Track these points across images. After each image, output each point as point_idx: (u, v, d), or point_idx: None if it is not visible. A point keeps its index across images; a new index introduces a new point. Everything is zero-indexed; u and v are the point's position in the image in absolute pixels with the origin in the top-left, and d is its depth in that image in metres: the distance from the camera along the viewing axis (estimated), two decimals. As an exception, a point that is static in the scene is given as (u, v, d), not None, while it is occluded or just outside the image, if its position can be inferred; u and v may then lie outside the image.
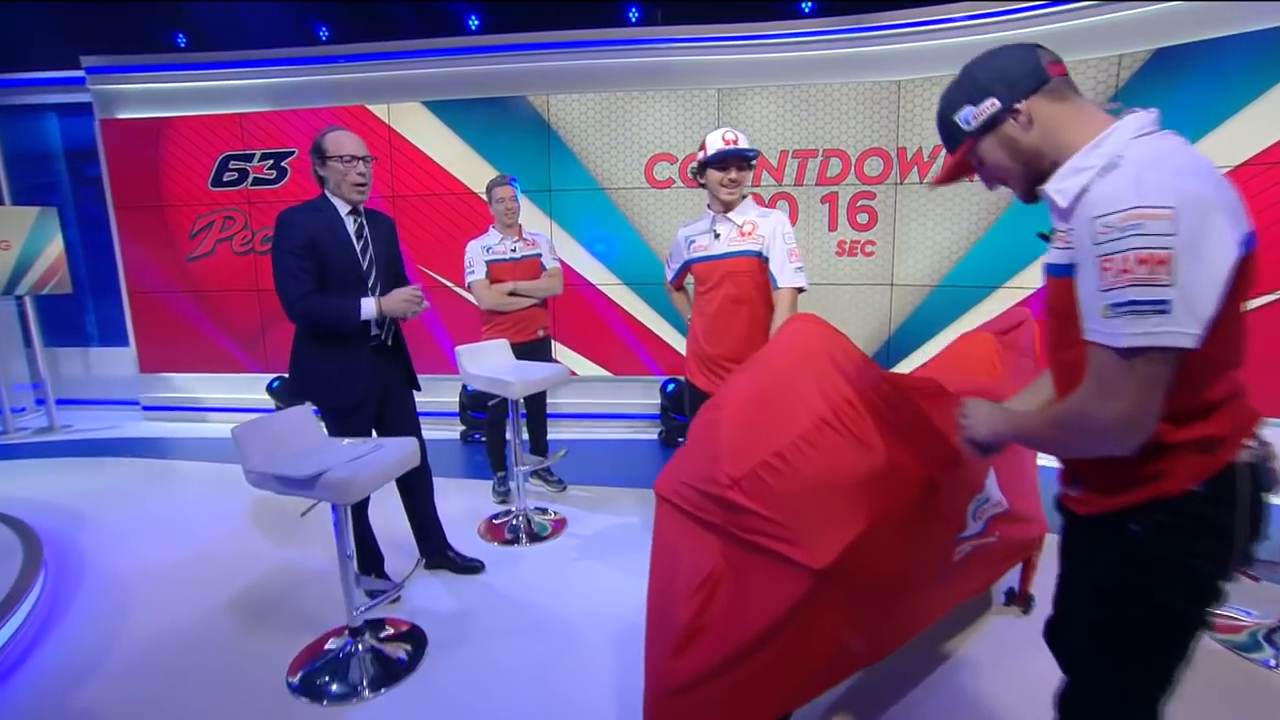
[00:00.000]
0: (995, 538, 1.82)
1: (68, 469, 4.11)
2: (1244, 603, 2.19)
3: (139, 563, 2.78)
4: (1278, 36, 3.05)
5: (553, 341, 3.69)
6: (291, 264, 2.17)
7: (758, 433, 1.47)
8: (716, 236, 2.33)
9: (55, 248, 4.91)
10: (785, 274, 2.26)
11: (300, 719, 1.87)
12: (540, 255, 3.37)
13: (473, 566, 2.64)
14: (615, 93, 4.33)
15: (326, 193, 2.27)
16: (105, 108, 4.77)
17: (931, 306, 4.16)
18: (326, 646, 2.13)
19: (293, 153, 4.64)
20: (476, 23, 4.52)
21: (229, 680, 2.03)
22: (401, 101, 4.50)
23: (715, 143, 2.24)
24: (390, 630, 2.22)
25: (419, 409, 2.53)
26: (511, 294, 3.25)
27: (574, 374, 4.41)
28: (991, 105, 1.02)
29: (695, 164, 2.35)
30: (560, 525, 3.07)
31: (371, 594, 2.23)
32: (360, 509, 2.40)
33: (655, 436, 4.48)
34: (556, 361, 3.52)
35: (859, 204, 4.21)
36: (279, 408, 4.72)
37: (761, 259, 2.29)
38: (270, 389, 4.81)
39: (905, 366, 4.06)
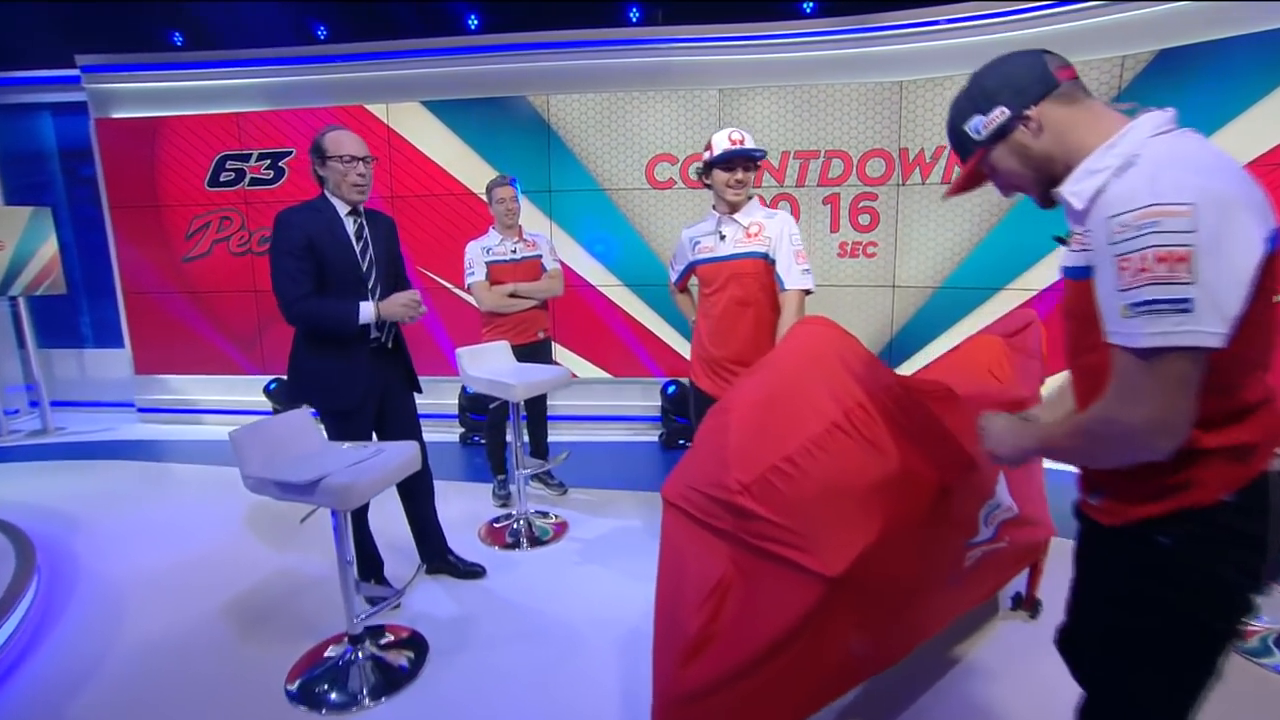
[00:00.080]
0: (1005, 543, 1.80)
1: (62, 472, 4.06)
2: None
3: (134, 568, 2.74)
4: (1282, 37, 3.05)
5: (553, 343, 3.66)
6: (290, 265, 2.14)
7: (767, 437, 1.45)
8: (722, 238, 2.31)
9: (49, 248, 4.86)
10: (792, 276, 2.23)
11: (299, 728, 1.84)
12: (541, 256, 3.34)
13: (474, 571, 2.61)
14: (616, 93, 4.30)
15: (326, 193, 2.24)
16: (100, 107, 4.73)
17: (934, 308, 4.14)
18: (326, 654, 2.10)
19: (290, 153, 4.60)
20: (476, 22, 4.49)
21: (226, 688, 1.99)
22: (400, 101, 4.47)
23: (721, 143, 2.22)
24: (390, 637, 2.19)
25: (418, 411, 2.50)
26: (512, 296, 3.22)
27: (574, 376, 4.38)
28: (1001, 113, 1.02)
29: (701, 165, 2.32)
30: (561, 529, 3.04)
31: (372, 601, 2.20)
32: (360, 514, 2.37)
33: (656, 439, 4.45)
34: (557, 363, 3.49)
35: (861, 205, 4.19)
36: (276, 410, 4.68)
37: (768, 261, 2.27)
38: (267, 391, 4.76)
39: (907, 368, 4.04)
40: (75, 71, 4.67)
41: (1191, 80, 3.28)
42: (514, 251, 3.26)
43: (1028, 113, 0.99)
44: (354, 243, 2.24)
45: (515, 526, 2.98)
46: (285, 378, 4.52)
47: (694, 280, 2.52)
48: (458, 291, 4.55)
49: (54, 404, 5.08)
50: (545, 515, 3.15)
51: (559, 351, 4.30)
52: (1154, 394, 0.84)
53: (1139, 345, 0.83)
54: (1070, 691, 1.13)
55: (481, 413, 4.02)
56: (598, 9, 4.34)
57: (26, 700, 1.96)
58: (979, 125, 1.04)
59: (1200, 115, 3.23)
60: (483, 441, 3.78)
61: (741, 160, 2.22)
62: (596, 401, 4.65)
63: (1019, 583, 2.22)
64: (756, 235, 2.27)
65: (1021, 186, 1.08)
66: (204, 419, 5.03)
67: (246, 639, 2.24)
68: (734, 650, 1.35)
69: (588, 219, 4.49)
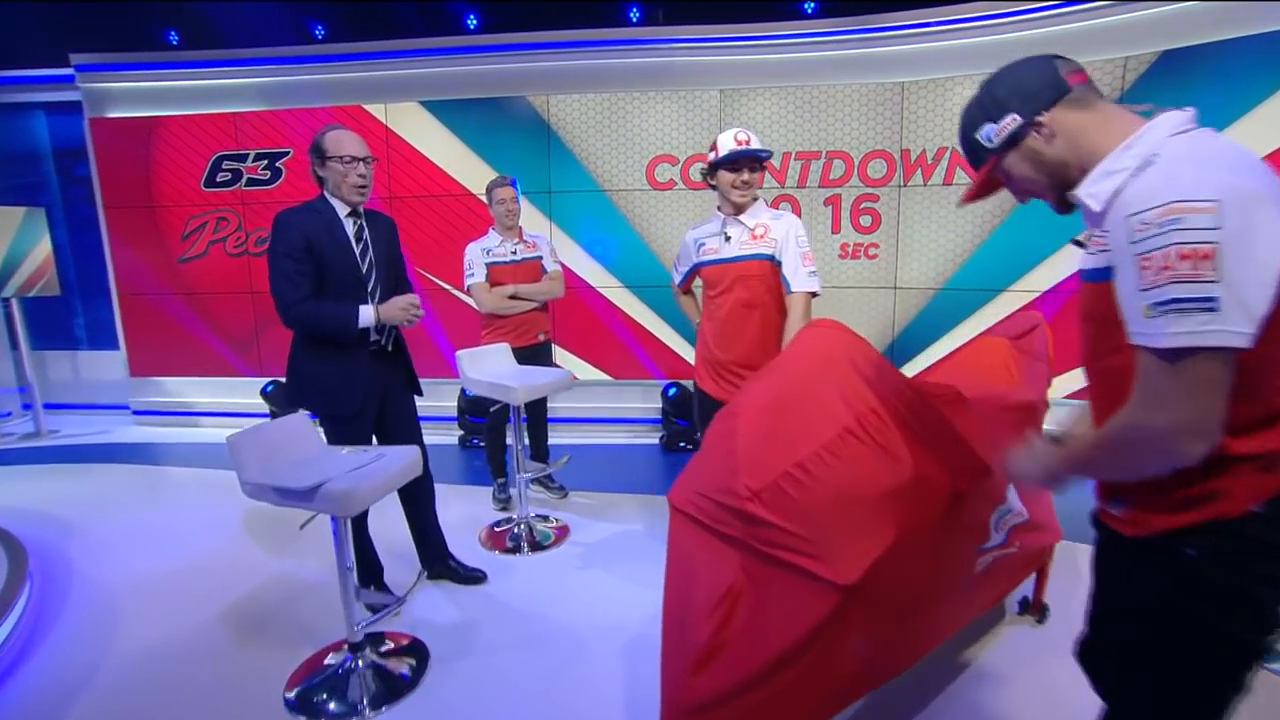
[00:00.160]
0: (1016, 547, 1.78)
1: (55, 476, 4.01)
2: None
3: (129, 573, 2.69)
4: (1285, 39, 3.04)
5: (553, 345, 3.64)
6: (288, 267, 2.11)
7: (777, 442, 1.43)
8: (727, 239, 2.28)
9: (43, 249, 4.81)
10: (799, 278, 2.21)
11: (298, 739, 1.81)
12: (541, 258, 3.31)
13: (475, 577, 2.58)
14: (616, 93, 4.28)
15: (325, 194, 2.21)
16: (95, 106, 4.68)
17: (935, 310, 4.13)
18: (326, 661, 2.07)
19: (288, 153, 4.56)
20: (475, 22, 4.46)
21: (223, 696, 1.96)
22: (399, 101, 4.43)
23: (727, 143, 2.19)
24: (391, 644, 2.16)
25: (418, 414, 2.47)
26: (512, 297, 3.19)
27: (574, 378, 4.36)
28: (1012, 120, 1.01)
29: (706, 165, 2.29)
30: (563, 533, 3.01)
31: (372, 608, 2.17)
32: (360, 519, 2.34)
33: (656, 441, 4.42)
34: (558, 366, 3.46)
35: (862, 206, 4.18)
36: (274, 413, 4.64)
37: (774, 263, 2.24)
38: (264, 393, 4.72)
39: (909, 371, 4.02)
40: (70, 70, 4.62)
41: (1195, 81, 3.27)
42: (514, 253, 3.23)
43: (1039, 119, 0.99)
44: (354, 244, 2.21)
45: (516, 531, 2.94)
46: (283, 380, 4.49)
47: (698, 282, 2.49)
48: (457, 293, 4.52)
49: (47, 406, 5.02)
50: (546, 519, 3.12)
51: (558, 353, 4.28)
52: (1181, 396, 0.82)
53: (1163, 345, 0.81)
54: (1079, 697, 1.10)
55: (481, 415, 3.99)
56: (598, 9, 4.31)
57: (19, 711, 1.92)
58: (991, 133, 1.04)
59: (1203, 117, 3.19)
60: (482, 444, 3.75)
61: (747, 161, 2.19)
62: (596, 404, 4.62)
63: (1025, 587, 2.21)
64: (762, 237, 2.24)
65: (1036, 192, 1.07)
66: (200, 422, 4.99)
67: (244, 646, 2.21)
68: (745, 660, 1.33)
69: (588, 220, 4.46)
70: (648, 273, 4.42)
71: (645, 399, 4.57)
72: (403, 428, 2.38)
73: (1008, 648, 2.09)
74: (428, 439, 2.47)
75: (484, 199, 3.31)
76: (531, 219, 4.28)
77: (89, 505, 3.46)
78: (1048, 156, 1.00)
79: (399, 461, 1.94)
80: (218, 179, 4.65)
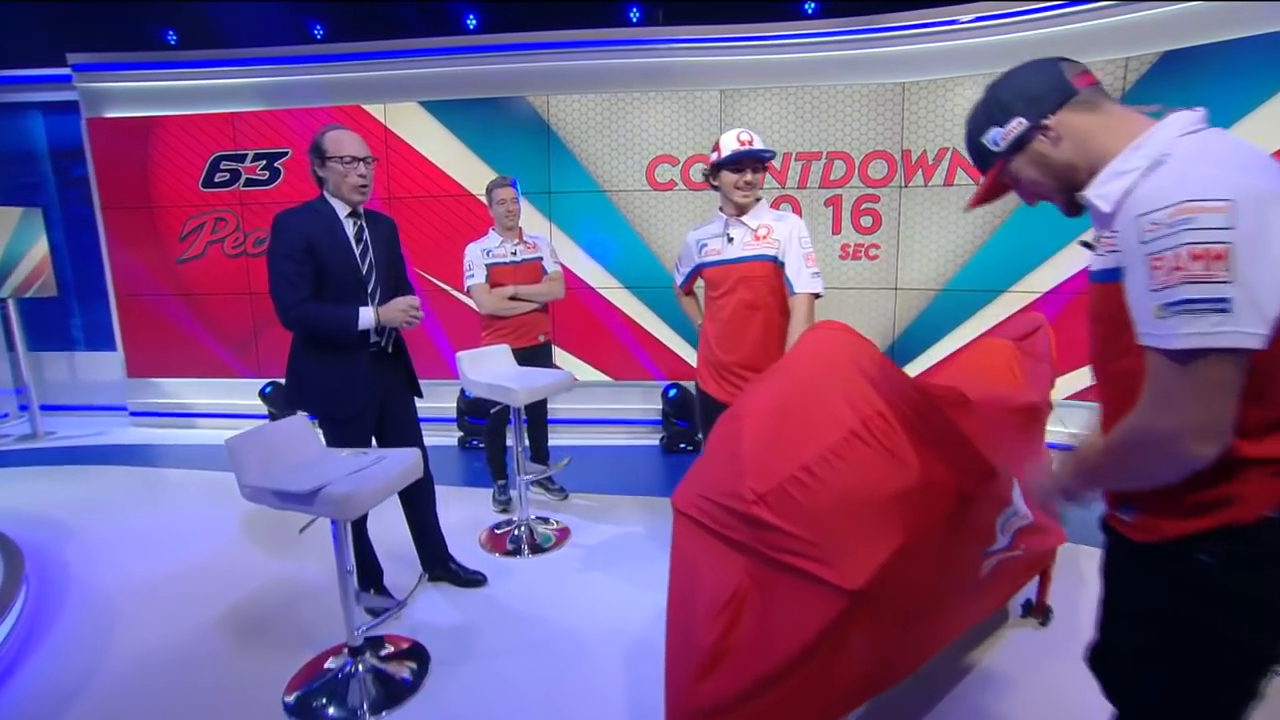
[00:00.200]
0: (1021, 550, 1.77)
1: (51, 478, 3.99)
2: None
3: (127, 577, 2.67)
4: (1287, 40, 3.04)
5: (553, 347, 3.62)
6: (287, 269, 2.09)
7: (783, 446, 1.41)
8: (730, 240, 2.27)
9: (40, 250, 4.79)
10: (801, 279, 2.20)
11: (298, 744, 1.79)
12: (541, 259, 3.29)
13: (475, 580, 2.56)
14: (616, 93, 4.27)
15: (325, 194, 2.19)
16: (92, 106, 4.66)
17: (936, 311, 4.12)
18: (325, 665, 2.05)
19: (286, 153, 4.55)
20: (475, 22, 4.45)
21: (222, 701, 1.94)
22: (398, 102, 4.41)
23: (730, 144, 2.18)
24: (391, 648, 2.14)
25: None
26: (512, 298, 3.18)
27: (575, 379, 4.35)
28: (1018, 124, 1.01)
29: (709, 166, 2.28)
30: (563, 535, 2.99)
31: (373, 612, 2.15)
32: (360, 522, 2.32)
33: (657, 442, 4.41)
34: (558, 367, 3.45)
35: (863, 207, 4.17)
36: (272, 414, 4.62)
37: (777, 264, 2.23)
38: (263, 394, 4.70)
39: (910, 372, 4.01)
40: (67, 70, 4.59)
41: (1196, 82, 3.27)
42: (514, 254, 3.22)
43: (1045, 122, 0.99)
44: (354, 245, 2.20)
45: (516, 533, 2.93)
46: (281, 381, 4.47)
47: (700, 283, 2.48)
48: (456, 294, 4.50)
49: (44, 408, 4.99)
50: (546, 521, 3.11)
51: (557, 354, 4.26)
52: (1191, 398, 0.82)
53: (1174, 346, 0.80)
54: (1084, 700, 1.09)
55: (480, 417, 3.97)
56: (598, 9, 4.30)
57: (15, 716, 1.90)
58: (997, 137, 1.04)
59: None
60: (482, 446, 3.74)
61: (750, 161, 2.18)
62: (596, 405, 4.60)
63: (1028, 589, 2.20)
64: (765, 238, 2.23)
65: (1045, 195, 1.07)
66: (198, 423, 4.96)
67: (243, 650, 2.19)
68: (751, 665, 1.31)
69: (588, 221, 4.44)
70: (648, 273, 4.40)
71: (645, 400, 4.56)
72: (403, 430, 2.36)
73: (1011, 650, 2.08)
74: (427, 440, 2.45)
75: (484, 200, 3.30)
76: (531, 219, 4.26)
77: (86, 507, 3.44)
78: (1055, 159, 1.00)
79: (399, 464, 1.92)
80: (216, 179, 4.63)
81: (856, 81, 4.06)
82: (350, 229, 2.20)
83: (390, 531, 2.61)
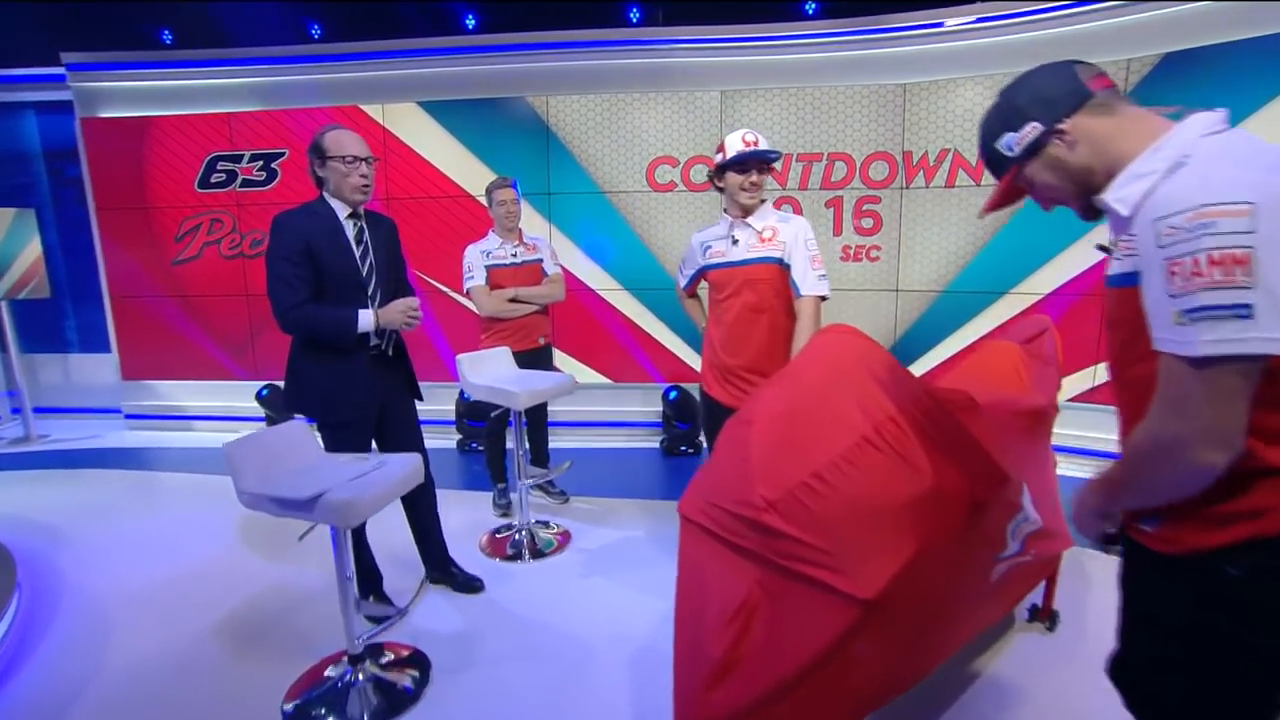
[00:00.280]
0: (1031, 556, 1.75)
1: (44, 481, 3.94)
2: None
3: (121, 583, 2.63)
4: (1289, 41, 3.04)
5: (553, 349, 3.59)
6: (286, 270, 2.06)
7: (793, 451, 1.39)
8: (735, 242, 2.24)
9: (33, 251, 4.74)
10: (808, 281, 2.17)
11: (297, 755, 1.76)
12: (542, 260, 3.27)
13: (472, 585, 2.53)
14: (616, 94, 4.24)
15: (325, 195, 2.17)
16: (86, 106, 4.61)
17: (937, 312, 4.11)
18: (325, 674, 2.02)
19: (283, 154, 4.51)
20: (474, 22, 4.42)
21: (219, 710, 1.91)
22: (396, 102, 4.38)
23: (735, 144, 2.16)
24: (391, 656, 2.11)
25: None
26: (513, 300, 3.15)
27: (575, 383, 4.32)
28: (1033, 129, 1.00)
29: (714, 167, 2.26)
30: (565, 540, 2.97)
31: (374, 620, 2.12)
32: (359, 528, 2.29)
33: (657, 445, 4.38)
34: (558, 370, 3.42)
35: (864, 208, 4.15)
36: (269, 417, 4.58)
37: (782, 266, 2.20)
38: (259, 397, 4.65)
39: (913, 372, 4.00)
40: (61, 70, 4.55)
41: (1198, 84, 3.26)
42: (514, 255, 3.19)
43: (1061, 126, 0.98)
44: (354, 247, 2.17)
45: (517, 538, 2.90)
46: (278, 384, 4.43)
47: (704, 285, 2.46)
48: (456, 296, 4.47)
49: (37, 410, 4.93)
50: (547, 525, 3.08)
51: (556, 356, 4.23)
52: (1203, 403, 0.80)
53: (1194, 354, 0.79)
54: (1092, 705, 1.08)
55: (479, 419, 3.94)
56: (598, 9, 4.28)
57: (8, 727, 1.87)
58: (1011, 142, 1.03)
59: (1207, 119, 3.21)
60: (481, 449, 3.71)
61: (756, 162, 2.16)
62: (596, 407, 4.57)
63: (1033, 594, 2.18)
64: (771, 240, 2.21)
65: (1061, 200, 1.06)
66: (194, 426, 4.91)
67: (240, 658, 2.16)
68: (762, 675, 1.29)
69: (587, 222, 4.42)
70: (648, 275, 4.38)
71: (645, 402, 4.53)
72: (404, 433, 2.33)
73: (1018, 656, 2.06)
74: (426, 443, 2.42)
75: (483, 201, 3.27)
76: (531, 221, 4.24)
77: (80, 512, 3.39)
78: (1071, 164, 0.99)
79: (400, 470, 1.89)
80: (212, 180, 4.59)
81: (857, 82, 4.04)
82: (350, 230, 2.17)
83: (390, 536, 2.58)
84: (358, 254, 2.17)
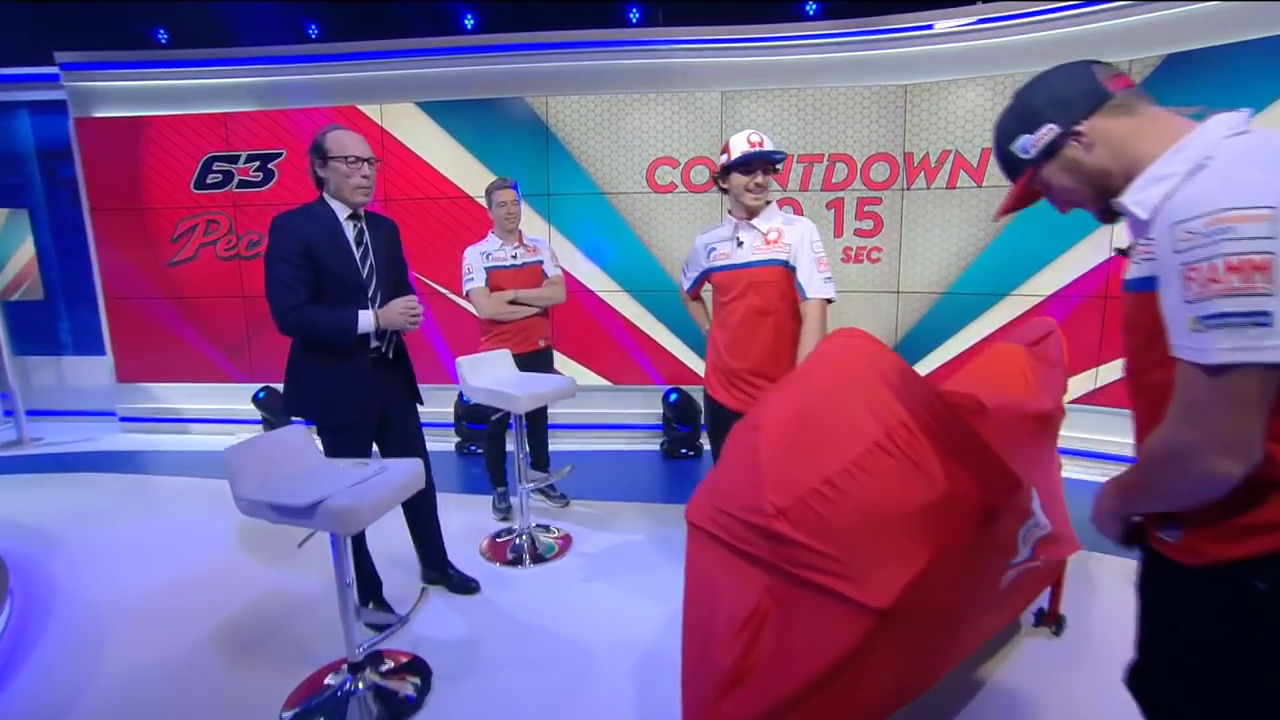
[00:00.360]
0: (1040, 561, 1.73)
1: (38, 486, 3.89)
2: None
3: (116, 589, 2.59)
4: (1291, 43, 3.03)
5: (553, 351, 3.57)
6: (285, 272, 2.03)
7: (803, 457, 1.37)
8: (739, 244, 2.22)
9: (26, 252, 4.69)
10: (814, 284, 2.15)
11: (297, 766, 1.73)
12: (542, 262, 3.24)
13: (468, 586, 2.51)
14: (616, 95, 4.22)
15: (325, 196, 2.14)
16: (81, 106, 4.56)
17: (939, 314, 4.10)
18: (325, 682, 1.98)
19: (280, 154, 4.47)
20: (472, 22, 4.40)
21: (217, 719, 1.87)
22: (395, 102, 4.35)
23: (740, 145, 2.14)
24: (391, 663, 2.08)
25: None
26: (513, 303, 3.12)
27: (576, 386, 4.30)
28: (1049, 131, 0.98)
29: (718, 169, 2.23)
30: (566, 544, 2.94)
31: (374, 627, 2.09)
32: (359, 533, 2.26)
33: (657, 447, 4.36)
34: (559, 373, 3.39)
35: (865, 209, 4.14)
36: (266, 419, 4.53)
37: (788, 268, 2.18)
38: (256, 400, 4.61)
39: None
40: (54, 69, 4.50)
41: (1199, 85, 3.26)
42: (514, 257, 3.16)
43: (1078, 128, 0.95)
44: (354, 248, 2.14)
45: (518, 542, 2.87)
46: (275, 386, 4.39)
47: (708, 287, 2.43)
48: (455, 298, 4.44)
49: (30, 413, 4.88)
50: (548, 529, 3.05)
51: (555, 358, 4.21)
52: (1218, 411, 0.79)
53: (1210, 361, 0.77)
54: (1101, 711, 1.06)
55: (478, 422, 3.91)
56: (598, 9, 4.26)
57: (0, 738, 1.83)
58: (1027, 145, 1.01)
59: (1209, 121, 3.20)
60: (480, 451, 3.68)
61: (761, 163, 2.14)
62: (596, 410, 4.54)
63: (1040, 598, 2.16)
64: (776, 242, 2.19)
65: (1077, 202, 1.03)
66: (190, 429, 4.87)
67: (238, 666, 2.12)
68: (773, 685, 1.27)
69: (587, 223, 4.39)
70: (648, 276, 4.36)
71: (646, 404, 4.51)
72: (405, 437, 2.31)
73: (1026, 661, 2.05)
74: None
75: (482, 202, 3.25)
76: (530, 222, 4.21)
77: (74, 517, 3.35)
78: (1089, 166, 0.97)
79: (401, 476, 1.86)
80: (208, 181, 4.55)
81: (858, 83, 4.03)
82: (351, 231, 2.14)
83: (389, 540, 2.54)
84: (358, 255, 2.14)
